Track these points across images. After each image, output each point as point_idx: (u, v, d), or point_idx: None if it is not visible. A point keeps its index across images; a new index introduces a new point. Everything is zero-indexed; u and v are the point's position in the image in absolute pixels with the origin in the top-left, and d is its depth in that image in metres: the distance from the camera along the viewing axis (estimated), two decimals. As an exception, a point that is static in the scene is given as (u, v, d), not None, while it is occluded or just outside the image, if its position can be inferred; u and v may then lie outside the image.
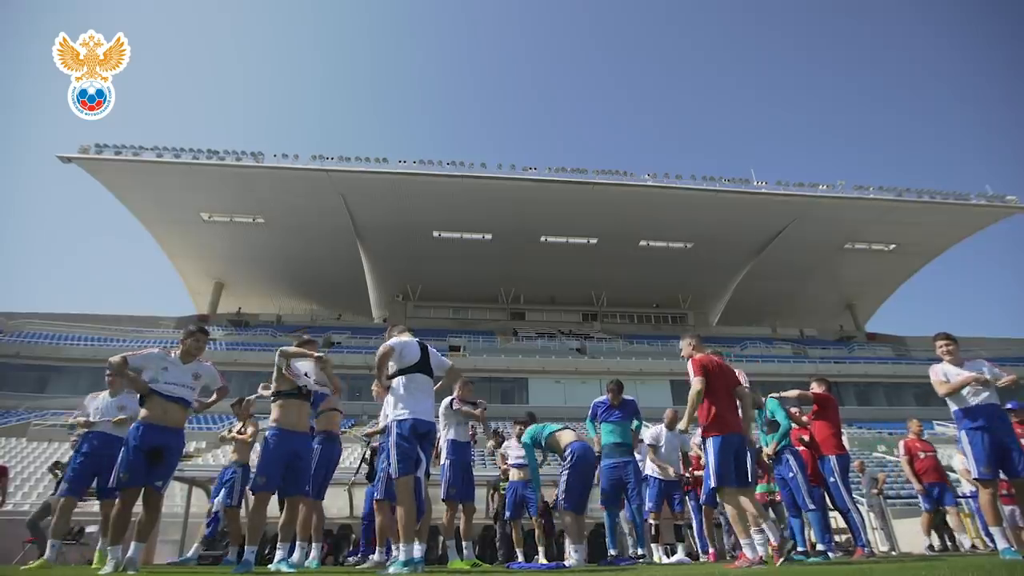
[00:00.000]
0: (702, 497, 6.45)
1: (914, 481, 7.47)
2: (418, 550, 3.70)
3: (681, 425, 4.65)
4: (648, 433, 7.15)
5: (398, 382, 4.15)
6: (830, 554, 5.80)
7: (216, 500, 6.37)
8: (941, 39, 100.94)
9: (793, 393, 6.28)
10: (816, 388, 6.36)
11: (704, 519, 7.09)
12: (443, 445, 5.60)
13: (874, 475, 10.77)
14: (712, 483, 4.35)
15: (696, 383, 4.46)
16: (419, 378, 4.19)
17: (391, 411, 4.11)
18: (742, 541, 4.14)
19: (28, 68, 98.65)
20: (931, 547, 8.28)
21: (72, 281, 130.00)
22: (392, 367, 4.18)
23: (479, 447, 16.43)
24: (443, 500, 5.48)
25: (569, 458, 5.29)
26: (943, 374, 5.16)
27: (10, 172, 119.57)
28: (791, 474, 5.94)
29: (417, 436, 3.96)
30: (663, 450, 6.99)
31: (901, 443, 7.57)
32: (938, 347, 5.27)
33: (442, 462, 5.57)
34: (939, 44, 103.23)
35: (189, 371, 4.16)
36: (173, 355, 4.18)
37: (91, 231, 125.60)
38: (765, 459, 6.25)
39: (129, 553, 3.81)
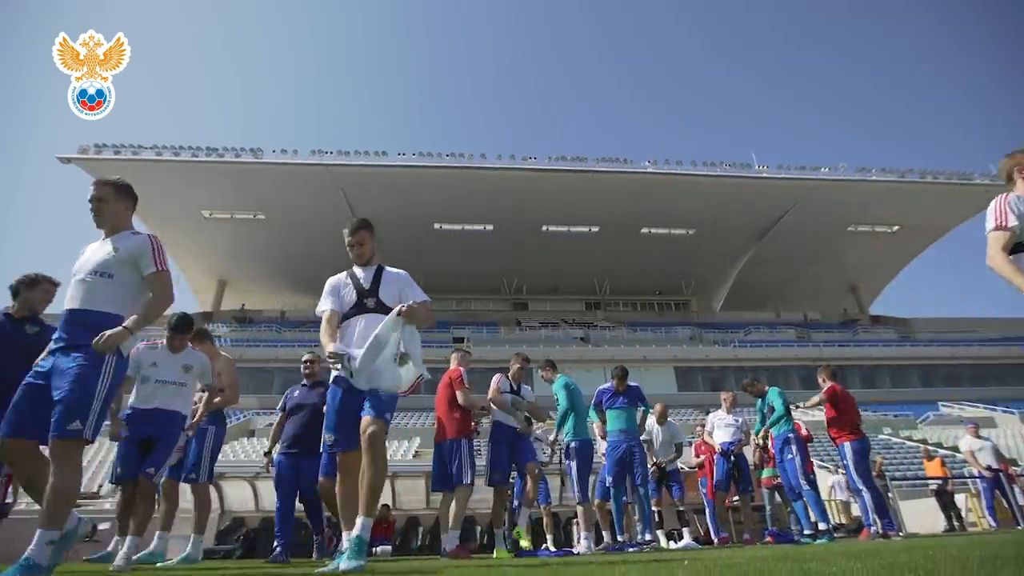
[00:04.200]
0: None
1: None
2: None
3: None
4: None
5: None
6: (832, 534, 5.97)
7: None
8: (942, 24, 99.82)
9: (814, 400, 6.56)
10: (823, 383, 6.60)
11: (716, 505, 7.23)
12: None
13: (872, 458, 10.85)
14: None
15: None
16: None
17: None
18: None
19: (28, 68, 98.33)
20: None
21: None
22: None
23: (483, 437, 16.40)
24: (488, 485, 5.17)
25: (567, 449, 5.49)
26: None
27: (11, 172, 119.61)
28: (790, 456, 6.33)
29: None
30: (655, 444, 7.28)
31: None
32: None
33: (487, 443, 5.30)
34: (939, 29, 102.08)
35: (178, 362, 4.05)
36: (161, 345, 4.07)
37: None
38: (758, 444, 6.60)
39: (124, 547, 3.70)
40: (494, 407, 5.24)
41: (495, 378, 5.28)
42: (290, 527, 4.95)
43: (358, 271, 3.05)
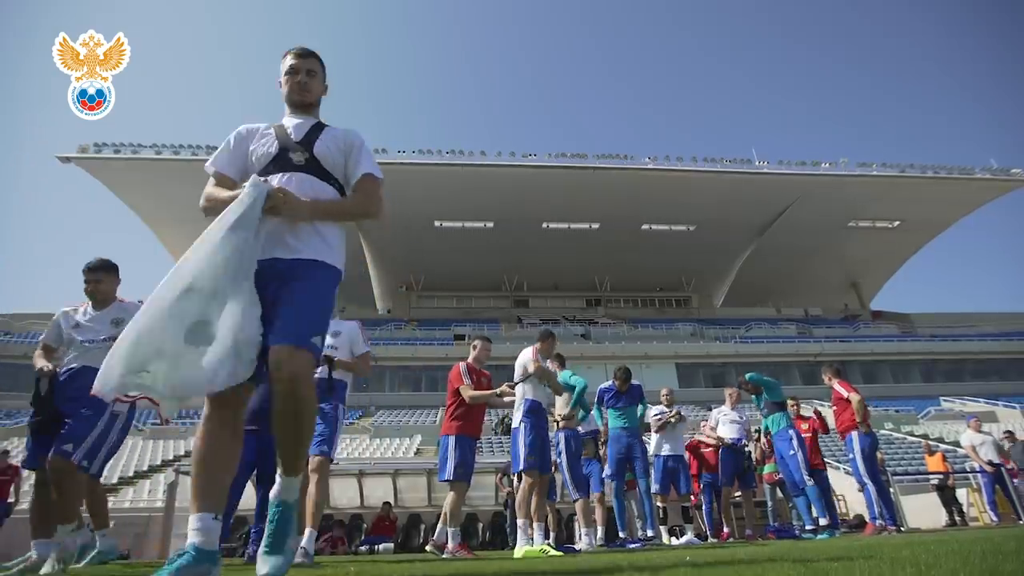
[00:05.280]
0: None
1: None
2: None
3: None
4: (651, 412, 7.22)
5: None
6: (836, 530, 5.96)
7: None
8: (943, 19, 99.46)
9: (857, 406, 6.25)
10: (829, 381, 6.61)
11: (715, 501, 7.23)
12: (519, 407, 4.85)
13: None
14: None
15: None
16: None
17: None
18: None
19: (28, 68, 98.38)
20: None
21: (74, 280, 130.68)
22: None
23: (484, 434, 16.46)
24: (523, 471, 4.67)
25: (558, 445, 5.42)
26: None
27: (11, 172, 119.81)
28: (791, 452, 6.28)
29: None
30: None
31: None
32: None
33: (516, 425, 4.75)
34: (939, 24, 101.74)
35: (107, 318, 3.48)
36: (83, 308, 3.55)
37: (93, 229, 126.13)
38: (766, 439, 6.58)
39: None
40: (530, 382, 4.81)
41: (531, 350, 4.92)
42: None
43: (288, 120, 2.07)
